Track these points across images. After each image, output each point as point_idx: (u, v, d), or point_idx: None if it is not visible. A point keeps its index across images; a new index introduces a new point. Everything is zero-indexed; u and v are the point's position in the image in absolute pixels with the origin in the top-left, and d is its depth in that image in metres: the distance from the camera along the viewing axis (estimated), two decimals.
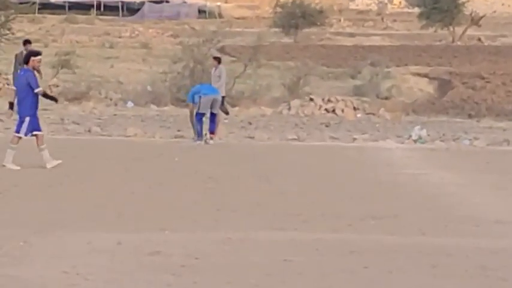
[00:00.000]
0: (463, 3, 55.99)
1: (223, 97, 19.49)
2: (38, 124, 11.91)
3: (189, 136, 16.42)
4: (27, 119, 11.78)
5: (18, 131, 11.87)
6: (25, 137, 11.93)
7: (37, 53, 12.02)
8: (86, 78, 26.32)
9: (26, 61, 11.87)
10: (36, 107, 11.89)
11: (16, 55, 19.87)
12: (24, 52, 19.58)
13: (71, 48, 31.98)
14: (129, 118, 20.02)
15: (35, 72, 11.88)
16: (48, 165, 11.79)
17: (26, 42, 20.13)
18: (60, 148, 14.08)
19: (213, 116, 15.56)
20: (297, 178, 11.82)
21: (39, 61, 11.93)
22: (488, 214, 9.53)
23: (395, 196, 10.66)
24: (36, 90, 11.77)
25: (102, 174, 11.65)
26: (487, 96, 25.94)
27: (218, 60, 19.57)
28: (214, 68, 19.45)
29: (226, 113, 19.53)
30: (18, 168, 11.76)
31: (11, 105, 12.06)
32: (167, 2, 77.42)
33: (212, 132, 15.65)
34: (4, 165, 11.71)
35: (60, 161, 11.87)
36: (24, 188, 10.50)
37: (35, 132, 11.86)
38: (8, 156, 11.78)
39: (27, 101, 11.75)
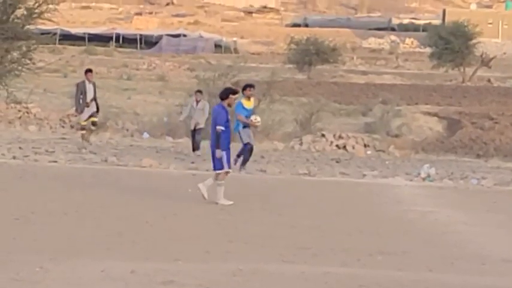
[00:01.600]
0: (474, 44, 56.41)
1: (202, 129, 19.61)
2: (228, 160, 12.16)
3: (203, 168, 16.70)
4: (224, 153, 12.04)
5: (221, 167, 12.07)
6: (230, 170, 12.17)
7: (235, 92, 12.30)
8: (104, 109, 26.59)
9: (224, 97, 12.09)
10: (229, 142, 12.14)
11: (77, 84, 19.53)
12: (87, 82, 19.13)
13: None
14: (145, 149, 20.15)
15: (228, 109, 12.15)
16: (220, 202, 12.00)
17: (88, 71, 19.78)
18: (77, 176, 14.34)
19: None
20: (307, 212, 11.95)
21: (236, 99, 12.32)
22: (495, 253, 9.64)
23: (403, 232, 10.77)
24: (217, 127, 12.00)
25: (117, 203, 11.82)
26: (495, 137, 26.04)
27: (201, 92, 19.82)
28: (196, 102, 19.46)
29: (197, 147, 19.08)
30: (231, 202, 12.01)
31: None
32: (184, 36, 78.24)
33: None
34: (217, 203, 11.97)
35: (232, 202, 12.06)
36: (41, 215, 10.67)
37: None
38: (219, 193, 12.05)
39: (223, 135, 12.00)
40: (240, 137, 16.11)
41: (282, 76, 37.15)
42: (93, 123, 19.64)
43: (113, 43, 75.54)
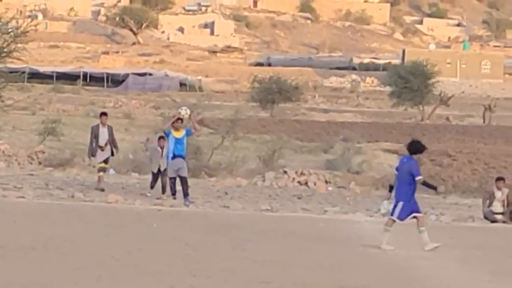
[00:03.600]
0: (433, 83, 57.53)
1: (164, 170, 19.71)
2: (416, 207, 12.35)
3: (168, 204, 16.93)
4: (400, 204, 12.29)
5: (392, 214, 12.37)
6: (400, 222, 12.40)
7: (423, 149, 12.31)
8: (71, 146, 26.81)
9: (414, 152, 12.23)
10: (413, 194, 12.32)
11: (92, 128, 19.10)
12: (101, 126, 18.69)
13: (58, 117, 32.57)
14: (111, 185, 20.26)
15: (418, 161, 12.25)
16: (426, 248, 12.21)
17: (102, 114, 19.34)
18: (45, 212, 14.42)
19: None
20: (270, 247, 12.11)
21: (418, 157, 12.32)
22: (453, 287, 9.82)
23: (364, 267, 10.95)
24: (416, 178, 12.19)
25: (83, 239, 11.91)
26: (453, 174, 26.50)
27: (164, 139, 20.12)
28: (160, 148, 19.14)
29: (152, 186, 19.07)
30: (393, 248, 12.20)
31: (391, 188, 12.46)
32: (150, 75, 78.82)
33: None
34: (380, 247, 12.19)
35: (438, 244, 12.27)
36: (10, 250, 10.75)
37: (414, 214, 12.34)
38: (384, 238, 12.32)
39: (404, 188, 12.26)
40: (167, 169, 17.36)
41: (245, 114, 37.64)
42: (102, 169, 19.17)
43: (80, 81, 75.85)
